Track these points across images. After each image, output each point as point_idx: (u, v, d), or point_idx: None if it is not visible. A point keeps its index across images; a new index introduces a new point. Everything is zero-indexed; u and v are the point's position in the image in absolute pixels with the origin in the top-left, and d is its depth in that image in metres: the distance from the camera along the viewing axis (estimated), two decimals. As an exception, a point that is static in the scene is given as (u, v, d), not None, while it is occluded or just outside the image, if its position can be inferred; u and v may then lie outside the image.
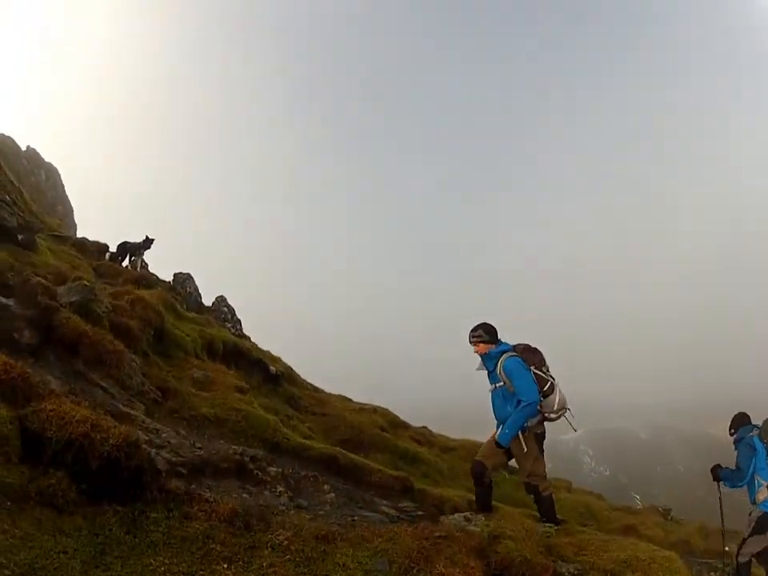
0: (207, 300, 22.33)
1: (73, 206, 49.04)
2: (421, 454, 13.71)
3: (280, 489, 5.83)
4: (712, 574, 7.56)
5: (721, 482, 8.52)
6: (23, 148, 43.84)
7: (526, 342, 7.33)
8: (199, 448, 5.79)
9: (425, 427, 20.25)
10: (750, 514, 8.13)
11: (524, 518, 5.90)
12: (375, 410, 15.96)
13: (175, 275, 21.36)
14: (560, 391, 7.06)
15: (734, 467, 8.34)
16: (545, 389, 6.89)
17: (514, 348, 7.15)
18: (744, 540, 8.04)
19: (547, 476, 7.10)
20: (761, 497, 7.97)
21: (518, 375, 6.73)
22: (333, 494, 6.61)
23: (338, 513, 6.01)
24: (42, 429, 3.84)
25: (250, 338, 23.16)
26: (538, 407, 6.76)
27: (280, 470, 6.49)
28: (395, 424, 15.83)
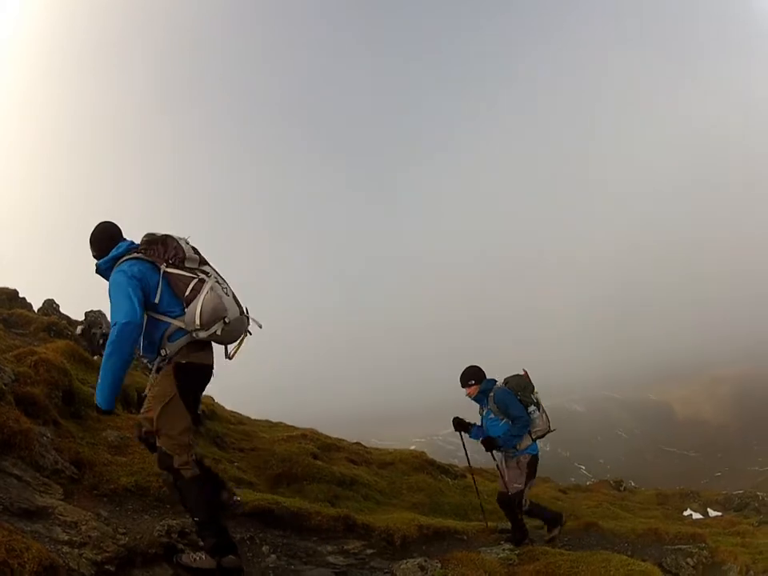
0: None
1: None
2: (359, 477, 13.56)
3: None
4: (688, 560, 7.52)
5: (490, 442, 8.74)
6: None
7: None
8: (123, 533, 5.38)
9: (358, 443, 20.15)
10: (511, 460, 8.60)
11: (482, 558, 5.77)
12: (304, 435, 15.68)
13: (86, 314, 20.67)
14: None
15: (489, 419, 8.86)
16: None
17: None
18: (524, 487, 8.38)
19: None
20: (524, 443, 8.53)
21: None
22: (273, 556, 6.34)
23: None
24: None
25: None
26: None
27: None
28: (326, 447, 15.57)
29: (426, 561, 5.75)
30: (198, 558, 5.11)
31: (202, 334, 4.64)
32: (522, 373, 8.99)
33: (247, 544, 6.50)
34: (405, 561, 5.96)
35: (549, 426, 8.82)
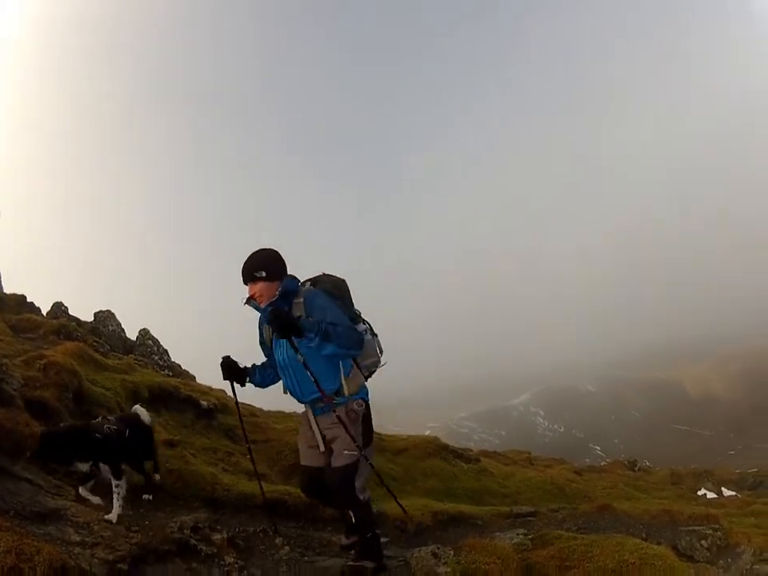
0: (132, 334, 22.00)
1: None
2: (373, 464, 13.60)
3: (229, 559, 5.52)
4: (702, 542, 7.44)
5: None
6: None
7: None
8: (136, 531, 5.41)
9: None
10: (328, 414, 5.20)
11: (495, 544, 5.76)
12: (317, 425, 15.70)
13: (95, 314, 21.04)
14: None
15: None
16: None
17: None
18: (359, 455, 5.22)
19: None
20: (354, 383, 5.24)
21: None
22: (287, 548, 6.36)
23: (296, 570, 5.80)
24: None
25: (180, 366, 22.73)
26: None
27: (225, 534, 6.13)
28: (339, 436, 15.63)
29: (438, 548, 5.74)
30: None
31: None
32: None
33: (260, 536, 6.52)
34: (418, 549, 5.95)
35: (380, 357, 5.56)
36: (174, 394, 12.67)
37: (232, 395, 5.98)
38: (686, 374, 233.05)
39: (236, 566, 5.46)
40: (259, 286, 5.10)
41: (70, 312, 20.41)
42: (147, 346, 20.73)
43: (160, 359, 20.41)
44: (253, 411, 16.89)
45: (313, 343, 4.85)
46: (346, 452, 5.14)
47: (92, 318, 21.06)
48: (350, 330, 5.04)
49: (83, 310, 21.18)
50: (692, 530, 7.79)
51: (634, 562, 5.32)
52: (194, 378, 22.64)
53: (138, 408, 7.31)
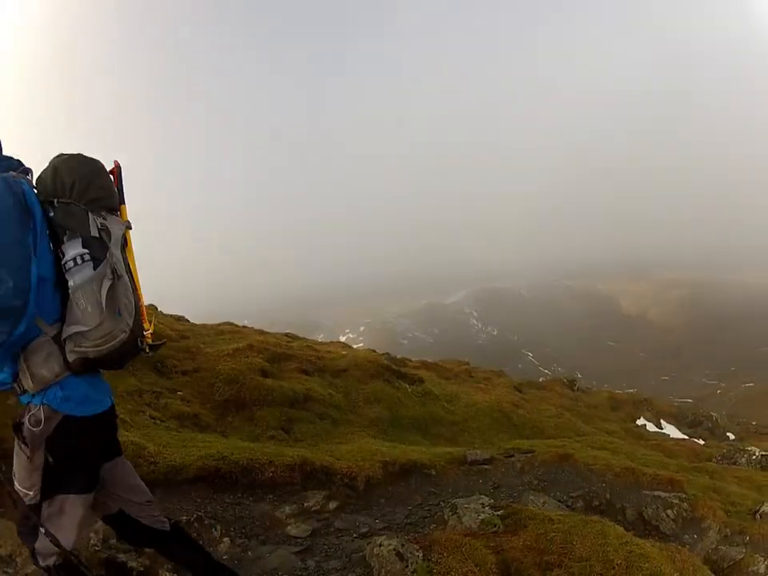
0: None
1: None
2: (312, 392, 12.82)
3: (164, 574, 4.65)
4: (669, 511, 7.27)
5: None
6: None
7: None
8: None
9: (309, 346, 19.41)
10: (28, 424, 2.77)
11: (468, 543, 5.03)
12: (250, 346, 14.66)
13: None
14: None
15: None
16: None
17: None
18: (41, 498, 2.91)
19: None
20: (38, 374, 2.75)
21: None
22: (227, 539, 5.52)
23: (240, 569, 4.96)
24: None
25: None
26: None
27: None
28: (276, 357, 14.64)
29: (403, 546, 4.96)
30: None
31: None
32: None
33: (195, 527, 5.63)
34: (377, 540, 5.17)
35: (110, 322, 2.77)
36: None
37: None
38: (623, 291, 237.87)
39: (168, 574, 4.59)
40: None
41: None
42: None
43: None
44: (183, 332, 15.71)
45: None
46: (18, 487, 2.93)
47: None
48: None
49: None
50: (657, 497, 7.67)
51: (621, 563, 4.79)
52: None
53: None
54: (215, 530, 5.65)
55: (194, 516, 5.73)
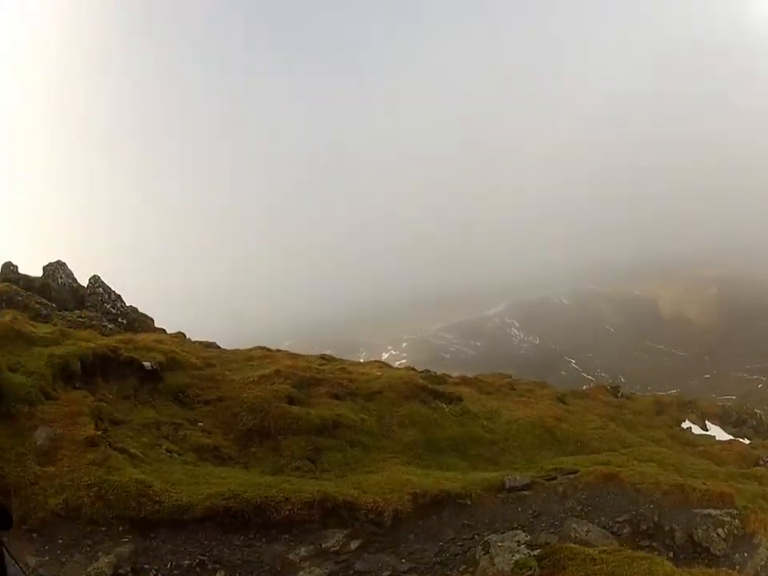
0: (85, 282, 21.74)
1: None
2: (343, 418, 12.28)
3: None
4: (719, 531, 6.76)
5: None
6: None
7: None
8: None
9: (342, 369, 18.87)
10: None
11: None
12: (278, 372, 14.20)
13: (45, 268, 20.85)
14: None
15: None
16: None
17: None
18: None
19: None
20: None
21: None
22: (229, 588, 5.00)
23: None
24: None
25: (136, 310, 21.37)
26: None
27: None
28: (305, 382, 14.16)
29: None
30: None
31: None
32: None
33: (196, 572, 5.11)
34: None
35: None
36: (113, 358, 11.13)
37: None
38: (660, 294, 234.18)
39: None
40: None
41: (21, 270, 19.83)
42: (98, 295, 20.08)
43: (112, 307, 19.77)
44: (209, 360, 15.33)
45: None
46: None
47: (41, 272, 20.64)
48: None
49: (36, 264, 20.54)
50: (707, 515, 7.16)
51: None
52: (153, 320, 21.42)
53: None
54: (220, 575, 5.12)
55: (197, 560, 5.22)
